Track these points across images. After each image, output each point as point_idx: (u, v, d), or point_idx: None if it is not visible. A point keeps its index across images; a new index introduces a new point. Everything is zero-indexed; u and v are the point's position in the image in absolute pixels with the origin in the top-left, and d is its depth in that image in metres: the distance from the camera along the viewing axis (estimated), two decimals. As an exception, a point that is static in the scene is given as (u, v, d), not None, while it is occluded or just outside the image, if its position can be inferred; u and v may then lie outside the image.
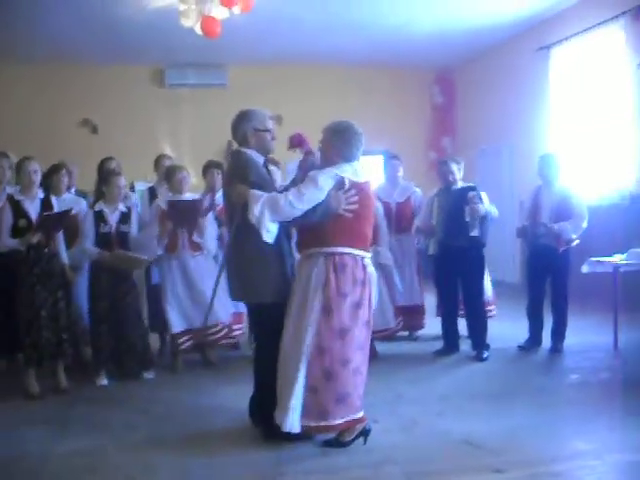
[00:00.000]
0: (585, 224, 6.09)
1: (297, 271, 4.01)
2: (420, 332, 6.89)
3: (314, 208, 3.80)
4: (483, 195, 6.05)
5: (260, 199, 3.79)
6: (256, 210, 3.77)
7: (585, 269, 6.17)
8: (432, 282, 6.54)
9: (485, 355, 5.96)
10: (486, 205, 5.95)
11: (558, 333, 6.21)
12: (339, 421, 3.79)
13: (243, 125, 4.16)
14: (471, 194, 5.87)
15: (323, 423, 3.77)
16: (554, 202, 6.11)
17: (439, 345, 6.24)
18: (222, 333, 5.83)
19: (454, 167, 6.15)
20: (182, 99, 11.43)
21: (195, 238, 5.71)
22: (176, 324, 5.69)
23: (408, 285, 6.73)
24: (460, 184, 6.16)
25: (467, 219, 5.85)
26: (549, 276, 6.26)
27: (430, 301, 6.74)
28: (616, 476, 3.43)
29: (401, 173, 6.91)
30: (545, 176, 6.27)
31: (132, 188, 7.37)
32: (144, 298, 6.19)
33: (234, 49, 10.38)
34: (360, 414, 3.88)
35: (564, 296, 6.20)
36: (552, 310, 6.28)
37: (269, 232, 3.80)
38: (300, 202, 3.77)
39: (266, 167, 4.22)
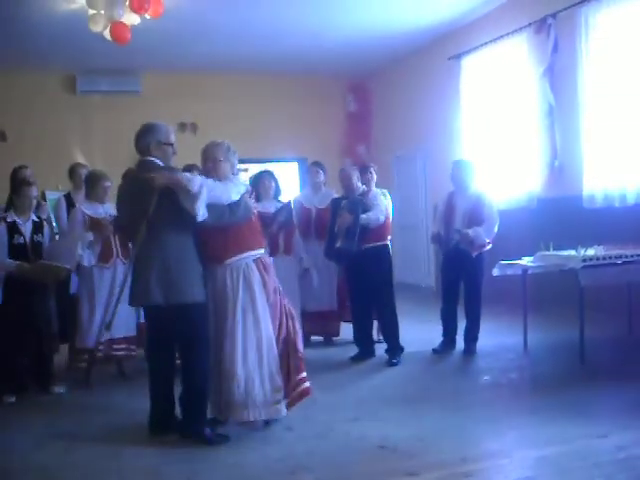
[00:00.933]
0: (496, 228, 6.25)
1: (221, 276, 4.18)
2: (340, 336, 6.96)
3: (236, 208, 4.14)
4: (386, 199, 6.15)
5: (196, 177, 4.07)
6: (196, 185, 3.96)
7: (495, 272, 6.33)
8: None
9: (395, 360, 6.02)
10: (365, 215, 5.94)
11: (471, 336, 6.35)
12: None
13: (147, 137, 4.28)
14: (343, 204, 5.93)
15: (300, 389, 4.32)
16: (467, 207, 6.22)
17: (356, 350, 6.29)
18: (123, 346, 5.75)
19: (353, 175, 6.19)
20: (94, 106, 11.17)
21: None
22: (89, 339, 5.55)
23: (326, 290, 6.79)
24: (370, 190, 6.21)
25: (335, 229, 5.92)
26: (462, 280, 6.39)
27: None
28: (523, 472, 3.51)
29: (323, 180, 6.97)
30: (458, 181, 6.38)
31: (43, 197, 7.18)
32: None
33: (147, 55, 10.23)
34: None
35: (477, 299, 6.33)
36: (466, 313, 6.41)
37: (203, 212, 3.99)
38: (227, 192, 4.12)
39: None
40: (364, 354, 6.24)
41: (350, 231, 5.89)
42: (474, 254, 6.19)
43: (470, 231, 6.09)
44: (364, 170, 6.34)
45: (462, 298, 6.46)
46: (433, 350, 6.36)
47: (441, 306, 6.54)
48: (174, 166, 4.43)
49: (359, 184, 6.21)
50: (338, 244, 5.93)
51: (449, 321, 6.46)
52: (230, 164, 4.39)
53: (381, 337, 6.45)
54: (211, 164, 4.34)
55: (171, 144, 4.33)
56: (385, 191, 6.35)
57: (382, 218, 6.06)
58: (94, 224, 5.57)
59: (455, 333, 6.47)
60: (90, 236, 5.53)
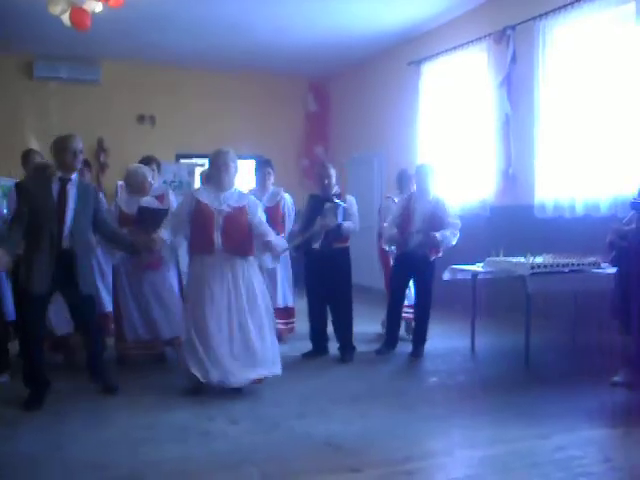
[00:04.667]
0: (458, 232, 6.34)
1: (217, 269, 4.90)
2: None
3: None
4: (352, 202, 6.18)
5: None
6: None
7: (446, 276, 6.41)
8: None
9: (347, 357, 6.10)
10: (346, 224, 6.04)
11: (420, 338, 6.40)
12: None
13: (51, 150, 4.88)
14: (327, 206, 5.93)
15: None
16: (427, 211, 6.25)
17: (308, 347, 6.33)
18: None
19: (332, 171, 6.23)
20: (52, 93, 10.98)
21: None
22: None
23: (280, 288, 6.82)
24: (342, 192, 6.31)
25: (314, 228, 5.91)
26: (414, 282, 6.45)
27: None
28: (465, 470, 3.56)
29: (272, 179, 6.96)
30: (421, 185, 6.41)
31: (-6, 182, 7.01)
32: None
33: (108, 44, 10.13)
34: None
35: (428, 303, 6.39)
36: (415, 316, 6.48)
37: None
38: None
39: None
40: (317, 351, 6.29)
41: (329, 235, 5.96)
42: (432, 258, 6.26)
43: (438, 234, 6.14)
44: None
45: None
46: (376, 352, 6.40)
47: (388, 307, 6.57)
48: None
49: (335, 183, 6.27)
50: (315, 245, 5.97)
51: (394, 322, 6.51)
52: (233, 171, 5.04)
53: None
54: (222, 168, 4.98)
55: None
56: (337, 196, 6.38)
57: (357, 229, 6.19)
58: None
59: (397, 333, 6.53)
60: None
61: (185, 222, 5.04)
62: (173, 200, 6.12)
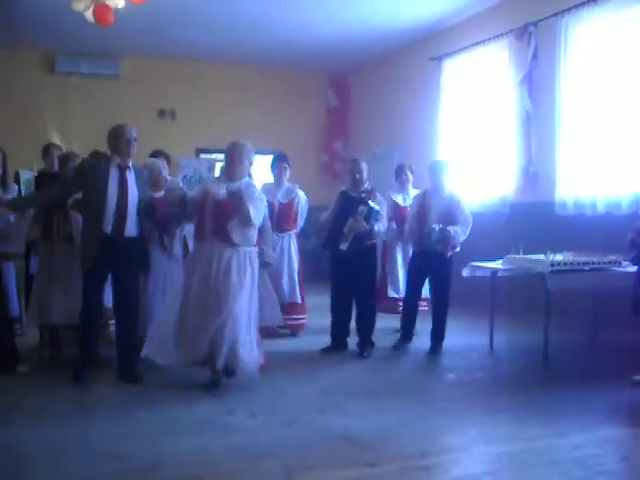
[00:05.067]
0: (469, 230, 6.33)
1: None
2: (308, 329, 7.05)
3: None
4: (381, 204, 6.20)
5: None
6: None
7: (465, 273, 6.41)
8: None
9: (366, 353, 6.13)
10: (377, 228, 6.06)
11: (438, 335, 6.41)
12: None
13: (114, 139, 5.04)
14: (361, 209, 5.93)
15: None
16: (442, 207, 6.25)
17: (326, 342, 6.36)
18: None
19: (363, 166, 6.24)
20: (73, 87, 11.09)
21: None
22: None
23: (285, 284, 6.85)
24: (373, 190, 6.30)
25: (345, 230, 5.94)
26: (431, 279, 6.46)
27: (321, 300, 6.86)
28: (482, 467, 3.58)
29: (287, 175, 6.99)
30: (435, 182, 6.40)
31: (17, 176, 7.11)
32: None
33: (129, 40, 10.21)
34: None
35: (446, 300, 6.39)
36: (433, 313, 6.48)
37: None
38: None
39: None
40: (336, 346, 6.31)
41: (357, 238, 5.98)
42: (448, 254, 6.26)
43: (451, 229, 6.15)
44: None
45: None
46: (393, 347, 6.44)
47: (404, 301, 6.61)
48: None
49: (366, 179, 6.30)
50: (343, 246, 5.96)
51: (409, 317, 6.54)
52: (247, 163, 5.05)
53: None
54: (236, 160, 4.99)
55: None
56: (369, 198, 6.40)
57: (385, 229, 6.26)
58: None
59: (413, 328, 6.57)
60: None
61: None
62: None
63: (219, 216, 4.88)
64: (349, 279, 6.16)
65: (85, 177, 4.98)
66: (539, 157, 8.17)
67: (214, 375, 4.94)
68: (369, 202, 6.00)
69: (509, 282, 6.93)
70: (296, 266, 6.99)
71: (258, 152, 5.22)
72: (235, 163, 5.02)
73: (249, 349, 4.89)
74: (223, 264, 4.84)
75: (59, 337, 6.00)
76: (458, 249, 6.37)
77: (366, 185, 6.29)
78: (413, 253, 6.60)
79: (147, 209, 5.24)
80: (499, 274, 6.36)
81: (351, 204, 6.03)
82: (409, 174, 7.27)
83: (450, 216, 6.23)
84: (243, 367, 4.86)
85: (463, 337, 6.94)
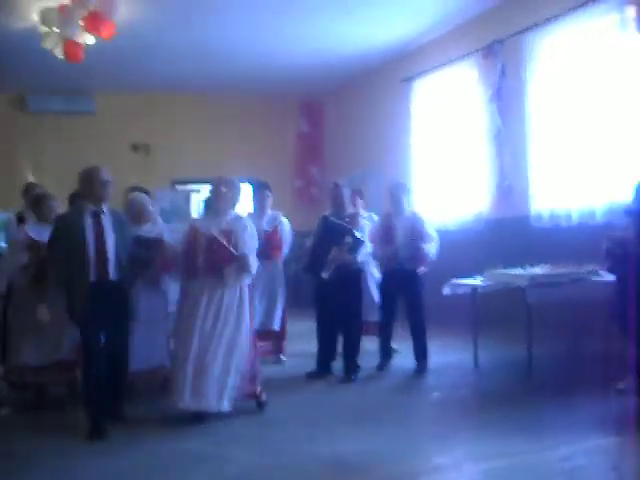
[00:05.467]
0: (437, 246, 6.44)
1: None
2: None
3: None
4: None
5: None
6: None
7: (446, 291, 6.45)
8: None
9: (353, 377, 6.14)
10: (360, 256, 6.11)
11: (421, 354, 6.44)
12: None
13: (87, 181, 4.84)
14: (347, 240, 5.98)
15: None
16: (407, 226, 6.38)
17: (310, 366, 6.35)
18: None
19: (346, 194, 6.31)
20: (46, 125, 11.08)
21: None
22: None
23: (269, 311, 6.89)
24: (357, 214, 6.42)
25: (328, 258, 5.98)
26: (404, 298, 6.51)
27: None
28: (472, 485, 3.61)
29: (270, 202, 7.03)
30: (396, 203, 6.51)
31: (-11, 216, 7.10)
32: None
33: (101, 75, 10.22)
34: None
35: (422, 315, 6.47)
36: (412, 332, 6.50)
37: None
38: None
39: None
40: (321, 371, 6.30)
41: (342, 265, 6.02)
42: (419, 270, 6.35)
43: (425, 245, 6.26)
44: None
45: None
46: (377, 368, 6.47)
47: (380, 323, 6.63)
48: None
49: (349, 204, 6.36)
50: (325, 274, 6.00)
51: (386, 337, 6.59)
52: (232, 197, 5.14)
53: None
54: (216, 194, 5.08)
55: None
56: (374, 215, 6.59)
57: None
58: (31, 246, 5.43)
59: (389, 344, 6.62)
60: (24, 258, 5.42)
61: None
62: (163, 228, 5.94)
63: (212, 255, 4.90)
64: (333, 305, 6.18)
65: (63, 232, 4.78)
66: (512, 172, 8.26)
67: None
68: (354, 232, 6.03)
69: (489, 298, 6.95)
70: (282, 295, 7.00)
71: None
72: (222, 197, 5.08)
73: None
74: (218, 301, 4.90)
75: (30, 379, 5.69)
76: (425, 269, 6.43)
77: (349, 210, 6.35)
78: (383, 274, 6.65)
79: (137, 259, 5.09)
80: (479, 290, 6.40)
81: (334, 230, 6.07)
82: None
83: (416, 235, 6.35)
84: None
85: (446, 355, 6.96)
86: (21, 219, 6.41)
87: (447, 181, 9.39)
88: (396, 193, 6.52)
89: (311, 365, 6.36)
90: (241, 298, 5.01)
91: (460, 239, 6.85)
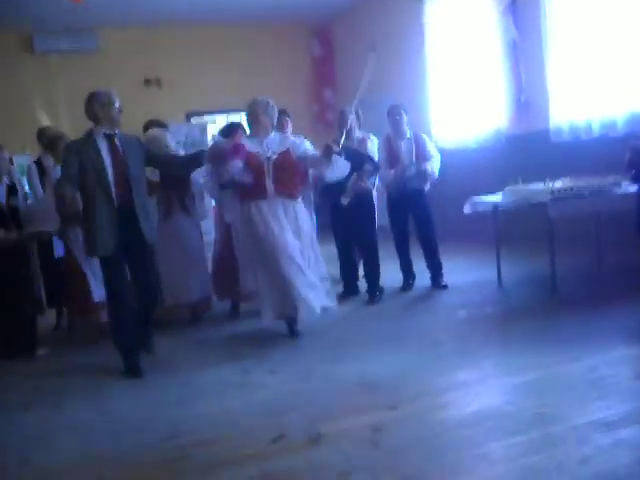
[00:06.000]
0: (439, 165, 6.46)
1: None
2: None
3: None
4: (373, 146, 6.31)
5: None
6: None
7: (467, 209, 6.41)
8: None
9: (376, 298, 6.23)
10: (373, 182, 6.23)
11: (437, 269, 6.55)
12: None
13: (91, 105, 4.59)
14: (367, 167, 6.06)
15: None
16: (410, 147, 6.41)
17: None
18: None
19: (351, 117, 6.17)
20: (54, 65, 10.98)
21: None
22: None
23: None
24: (367, 139, 6.36)
25: (348, 185, 6.03)
26: (414, 217, 6.55)
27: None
28: (500, 397, 3.63)
29: (290, 127, 6.93)
30: (396, 125, 6.46)
31: (11, 161, 7.11)
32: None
33: (105, 11, 10.07)
34: None
35: (433, 232, 6.55)
36: (424, 249, 6.57)
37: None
38: None
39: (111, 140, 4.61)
40: (348, 292, 6.49)
41: (359, 195, 6.14)
42: (427, 189, 6.43)
43: (428, 165, 6.32)
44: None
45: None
46: (401, 288, 6.59)
47: (397, 244, 6.66)
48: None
49: (356, 128, 6.32)
50: (345, 201, 6.11)
51: (404, 254, 6.66)
52: (269, 118, 5.19)
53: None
54: (252, 119, 5.15)
55: (113, 104, 4.61)
56: (373, 137, 6.45)
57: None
58: None
59: (412, 265, 6.69)
60: None
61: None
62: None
63: (280, 175, 5.09)
64: (349, 229, 6.32)
65: (75, 156, 4.51)
66: (530, 85, 8.10)
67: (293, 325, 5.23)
68: (372, 158, 6.15)
69: (510, 215, 6.90)
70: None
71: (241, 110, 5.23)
72: (260, 120, 5.15)
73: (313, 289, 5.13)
74: (291, 217, 5.14)
75: (76, 320, 5.89)
76: (429, 186, 6.47)
77: (357, 134, 6.32)
78: (390, 198, 6.63)
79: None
80: (500, 207, 6.35)
81: (352, 158, 5.99)
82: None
83: (422, 153, 6.41)
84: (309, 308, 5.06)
85: (469, 273, 7.00)
86: (40, 165, 6.41)
87: (464, 98, 9.24)
88: (395, 115, 6.49)
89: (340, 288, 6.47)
90: (308, 217, 5.36)
91: (480, 156, 6.75)
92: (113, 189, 4.52)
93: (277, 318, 5.14)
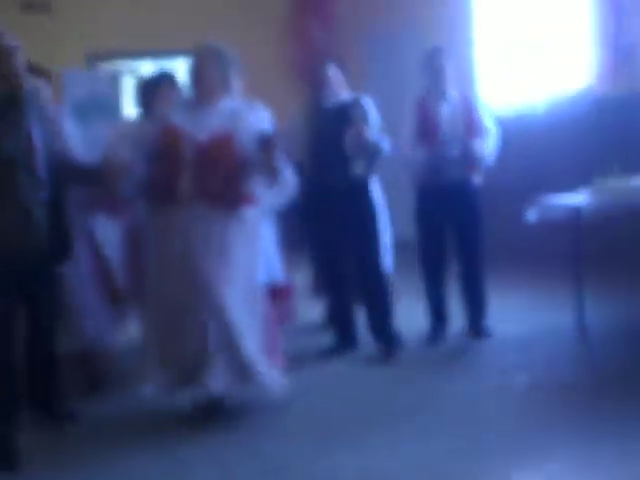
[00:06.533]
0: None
1: None
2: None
3: None
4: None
5: None
6: None
7: (531, 216, 6.37)
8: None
9: (388, 353, 6.22)
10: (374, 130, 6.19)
11: (478, 307, 6.57)
12: None
13: None
14: (357, 112, 6.09)
15: None
16: (454, 114, 6.42)
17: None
18: None
19: (332, 71, 6.32)
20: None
21: None
22: None
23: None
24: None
25: (347, 150, 6.08)
26: (453, 225, 6.57)
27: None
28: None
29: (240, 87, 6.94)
30: (439, 78, 6.47)
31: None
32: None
33: None
34: None
35: (481, 252, 6.58)
36: (464, 275, 6.62)
37: None
38: None
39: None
40: (341, 344, 6.43)
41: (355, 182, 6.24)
42: (476, 181, 6.44)
43: (477, 144, 6.29)
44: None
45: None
46: (427, 337, 6.58)
47: (422, 267, 6.66)
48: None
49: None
50: (359, 169, 6.19)
51: (439, 287, 6.65)
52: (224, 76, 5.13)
53: None
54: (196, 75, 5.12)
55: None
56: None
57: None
58: None
59: (447, 305, 6.69)
60: None
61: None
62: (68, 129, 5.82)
63: (206, 168, 4.95)
64: (340, 238, 6.34)
65: None
66: (634, 26, 8.13)
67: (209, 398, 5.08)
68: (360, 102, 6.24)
69: (600, 224, 6.87)
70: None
71: (181, 54, 5.20)
72: (208, 79, 5.08)
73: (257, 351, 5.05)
74: (211, 236, 4.96)
75: None
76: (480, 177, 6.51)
77: (344, 95, 6.39)
78: (421, 194, 6.61)
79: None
80: (585, 212, 6.31)
81: (330, 116, 6.18)
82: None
83: (471, 125, 6.42)
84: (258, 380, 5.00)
85: (533, 316, 7.00)
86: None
87: (529, 43, 9.30)
88: (439, 63, 6.48)
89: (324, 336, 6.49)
90: (253, 234, 5.16)
91: (551, 131, 6.67)
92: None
93: (174, 385, 5.08)
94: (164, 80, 6.02)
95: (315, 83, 6.40)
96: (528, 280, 7.47)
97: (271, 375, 5.03)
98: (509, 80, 9.44)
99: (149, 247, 5.25)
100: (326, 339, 6.48)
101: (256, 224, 5.21)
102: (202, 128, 5.01)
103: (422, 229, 6.62)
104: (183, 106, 5.24)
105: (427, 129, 6.41)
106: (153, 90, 5.85)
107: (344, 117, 6.11)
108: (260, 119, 5.13)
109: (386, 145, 6.30)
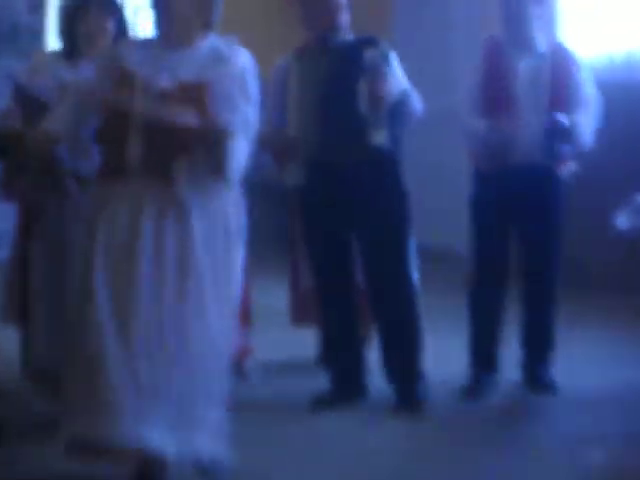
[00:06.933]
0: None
1: None
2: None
3: None
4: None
5: None
6: None
7: (621, 223, 6.40)
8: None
9: (420, 400, 6.25)
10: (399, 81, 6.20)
11: (540, 349, 6.62)
12: None
13: None
14: (370, 54, 6.04)
15: None
16: (535, 74, 6.40)
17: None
18: None
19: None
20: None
21: None
22: None
23: None
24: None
25: (362, 108, 6.04)
26: (520, 234, 6.62)
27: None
28: None
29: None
30: (522, 20, 6.42)
31: None
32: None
33: None
34: None
35: (553, 279, 6.63)
36: (526, 304, 6.68)
37: None
38: None
39: None
40: (343, 391, 6.42)
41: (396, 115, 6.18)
42: (564, 171, 6.48)
43: (570, 119, 6.24)
44: None
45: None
46: (465, 393, 6.58)
47: (471, 289, 6.74)
48: None
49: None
50: (379, 137, 6.07)
51: (491, 321, 6.68)
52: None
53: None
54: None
55: None
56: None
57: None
58: None
59: (496, 344, 6.70)
60: None
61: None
62: None
63: (158, 132, 4.87)
64: (351, 233, 6.37)
65: None
66: None
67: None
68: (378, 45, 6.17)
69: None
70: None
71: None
72: (181, 9, 5.02)
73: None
74: (162, 223, 4.92)
75: None
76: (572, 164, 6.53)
77: (349, 35, 6.42)
78: (482, 178, 6.62)
79: None
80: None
81: (337, 61, 6.21)
82: None
83: (560, 90, 6.40)
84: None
85: (612, 365, 7.08)
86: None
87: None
88: (510, 7, 6.49)
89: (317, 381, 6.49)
90: (225, 230, 5.06)
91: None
92: None
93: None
94: (94, 3, 5.94)
95: (319, 8, 6.31)
96: (612, 314, 7.51)
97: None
98: (601, 25, 9.52)
99: (74, 241, 5.29)
100: (320, 383, 6.47)
101: (234, 212, 5.11)
102: (167, 76, 4.96)
103: (478, 231, 6.66)
104: (144, 46, 5.19)
105: (497, 91, 6.41)
106: (77, 17, 5.85)
107: (359, 62, 6.04)
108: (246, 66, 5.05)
109: (418, 105, 6.26)
